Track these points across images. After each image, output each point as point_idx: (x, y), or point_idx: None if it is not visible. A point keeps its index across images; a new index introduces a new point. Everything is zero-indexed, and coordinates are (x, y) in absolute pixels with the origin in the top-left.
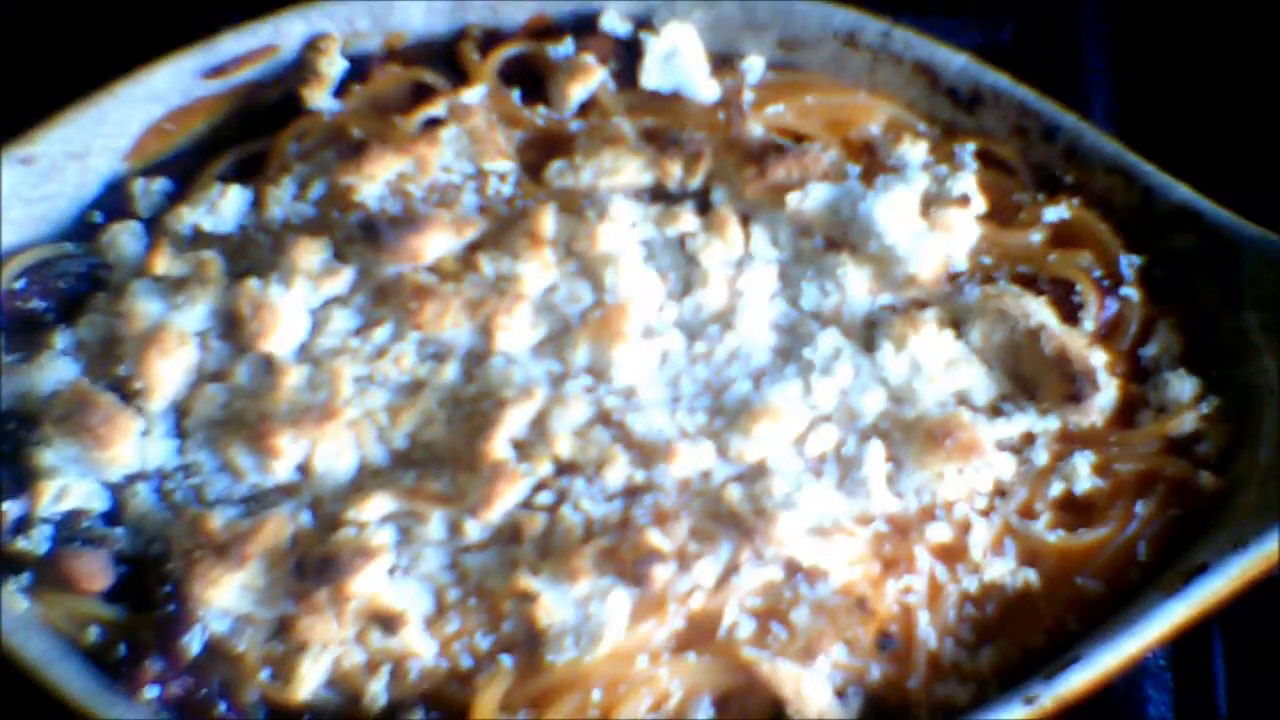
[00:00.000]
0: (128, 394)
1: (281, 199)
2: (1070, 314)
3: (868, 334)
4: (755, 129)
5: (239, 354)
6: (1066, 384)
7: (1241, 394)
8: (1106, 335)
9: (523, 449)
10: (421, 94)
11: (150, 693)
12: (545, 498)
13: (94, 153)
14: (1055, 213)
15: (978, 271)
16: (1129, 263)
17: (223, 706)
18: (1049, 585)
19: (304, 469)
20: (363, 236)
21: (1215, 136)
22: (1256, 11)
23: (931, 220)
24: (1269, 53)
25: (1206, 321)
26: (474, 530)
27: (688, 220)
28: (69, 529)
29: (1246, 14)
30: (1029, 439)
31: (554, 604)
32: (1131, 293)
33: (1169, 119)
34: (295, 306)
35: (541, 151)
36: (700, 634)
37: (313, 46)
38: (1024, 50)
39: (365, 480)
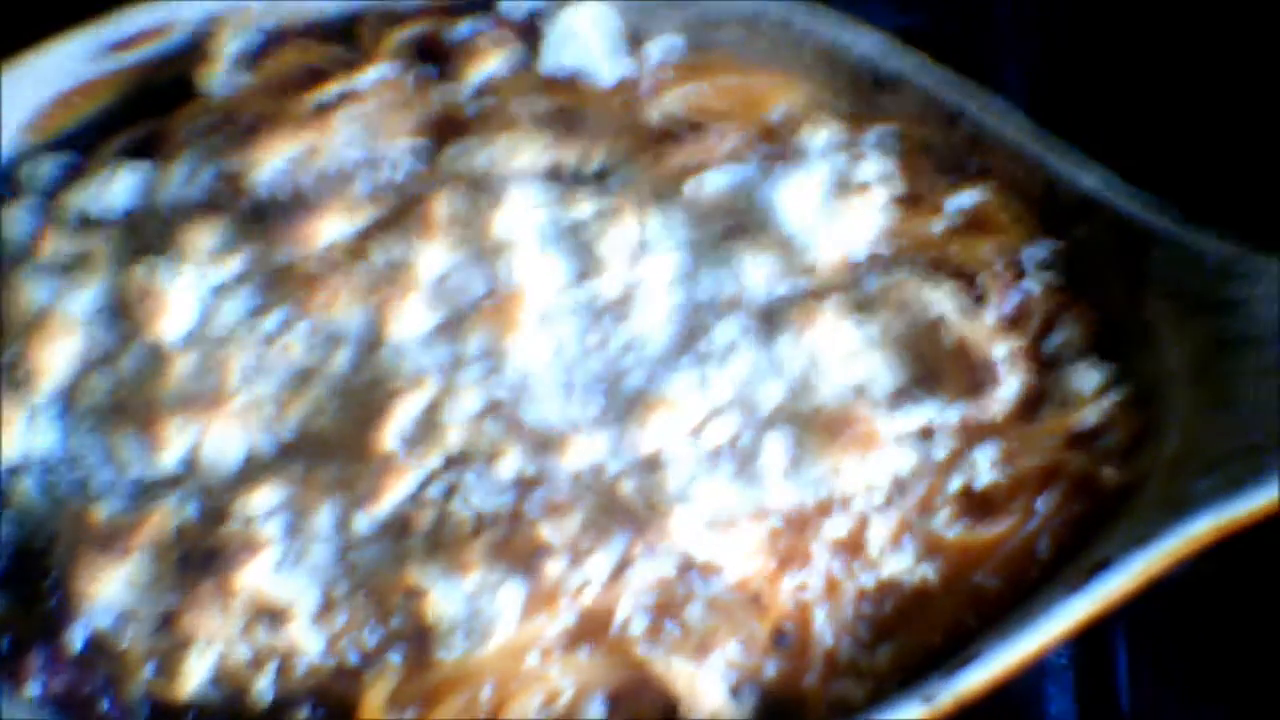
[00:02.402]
0: (12, 381)
1: (174, 182)
2: (974, 305)
3: (767, 324)
4: (654, 113)
5: (126, 340)
6: (967, 376)
7: (1147, 387)
8: (1009, 326)
9: (413, 440)
10: (317, 76)
11: (33, 688)
12: (435, 490)
13: None
14: (960, 200)
15: (880, 261)
16: (1033, 252)
17: (106, 703)
18: (947, 582)
19: (190, 459)
20: (254, 221)
21: (1134, 116)
22: None
23: (832, 208)
24: (1189, 33)
25: (1113, 313)
26: (363, 523)
27: (585, 206)
28: None
29: None
30: (929, 432)
31: (443, 598)
32: (1035, 283)
33: (1087, 99)
34: (184, 292)
35: (438, 135)
36: (592, 630)
37: (206, 28)
38: (940, 33)
39: (253, 471)
